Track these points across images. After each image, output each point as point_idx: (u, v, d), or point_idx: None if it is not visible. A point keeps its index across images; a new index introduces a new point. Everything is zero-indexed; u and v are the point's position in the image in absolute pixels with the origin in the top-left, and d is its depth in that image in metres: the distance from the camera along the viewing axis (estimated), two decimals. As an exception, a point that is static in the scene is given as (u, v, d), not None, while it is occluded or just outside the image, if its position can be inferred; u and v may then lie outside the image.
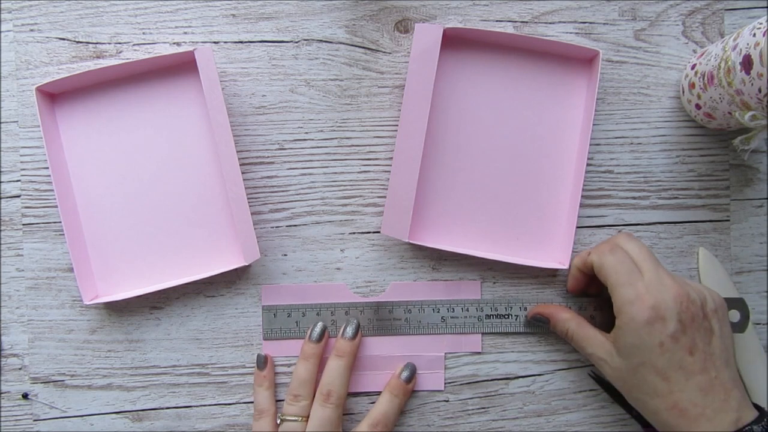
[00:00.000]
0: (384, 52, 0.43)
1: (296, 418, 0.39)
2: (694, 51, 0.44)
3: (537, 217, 0.43)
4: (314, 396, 0.40)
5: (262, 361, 0.42)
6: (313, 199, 0.43)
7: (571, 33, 0.43)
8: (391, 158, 0.43)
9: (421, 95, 0.40)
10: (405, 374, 0.41)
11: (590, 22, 0.44)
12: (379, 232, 0.43)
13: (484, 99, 0.43)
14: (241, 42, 0.43)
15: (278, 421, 0.40)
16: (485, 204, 0.43)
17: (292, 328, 0.42)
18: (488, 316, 0.43)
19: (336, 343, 0.41)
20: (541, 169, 0.43)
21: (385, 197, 0.43)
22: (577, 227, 0.44)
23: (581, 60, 0.43)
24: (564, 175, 0.43)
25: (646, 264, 0.36)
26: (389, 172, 0.42)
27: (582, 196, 0.43)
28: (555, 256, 0.43)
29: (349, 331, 0.41)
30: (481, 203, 0.43)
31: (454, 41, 0.42)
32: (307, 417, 0.39)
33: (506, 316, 0.43)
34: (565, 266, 0.41)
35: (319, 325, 0.41)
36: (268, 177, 0.43)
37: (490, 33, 0.41)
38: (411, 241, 0.41)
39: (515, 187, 0.43)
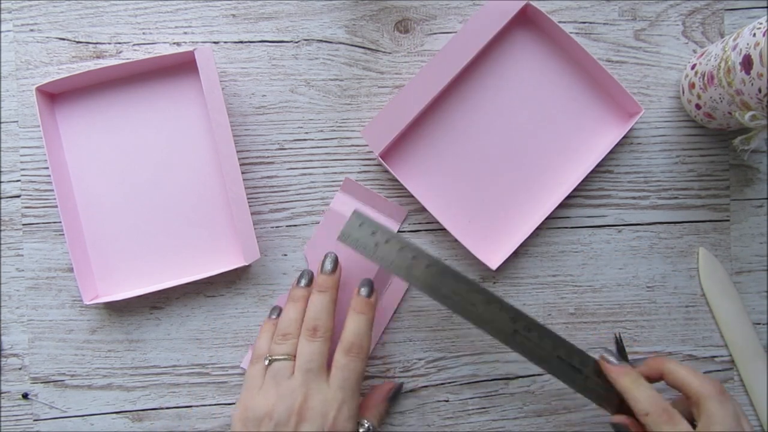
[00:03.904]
0: (384, 52, 0.43)
1: (284, 356, 0.37)
2: (694, 51, 0.44)
3: (503, 214, 0.43)
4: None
5: (277, 313, 0.41)
6: (313, 199, 0.43)
7: (571, 33, 0.43)
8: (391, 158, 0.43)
9: (467, 47, 0.41)
10: (364, 290, 0.40)
11: (590, 22, 0.44)
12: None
13: (522, 92, 0.43)
14: (241, 42, 0.43)
15: (266, 363, 0.38)
16: (469, 178, 0.43)
17: (369, 245, 0.38)
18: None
19: (316, 279, 0.40)
20: (531, 177, 0.43)
21: (385, 197, 0.43)
22: (577, 227, 0.44)
23: (623, 108, 0.43)
24: (545, 194, 0.43)
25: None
26: (388, 172, 0.42)
27: (582, 196, 0.44)
28: (492, 253, 0.43)
29: (328, 265, 0.40)
30: (465, 174, 0.43)
31: (526, 24, 0.43)
32: (296, 356, 0.38)
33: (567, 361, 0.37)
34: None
35: (306, 272, 0.41)
36: (268, 177, 0.43)
37: (564, 35, 0.41)
38: (380, 158, 0.41)
39: (502, 177, 0.43)
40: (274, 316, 0.41)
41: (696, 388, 0.35)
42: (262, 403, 0.36)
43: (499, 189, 0.43)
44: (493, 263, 0.42)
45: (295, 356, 0.38)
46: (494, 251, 0.43)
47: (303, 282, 0.40)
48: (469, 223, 0.43)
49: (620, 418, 0.36)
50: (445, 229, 0.42)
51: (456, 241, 0.42)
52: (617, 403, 0.37)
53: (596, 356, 0.37)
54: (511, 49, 0.43)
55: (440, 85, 0.41)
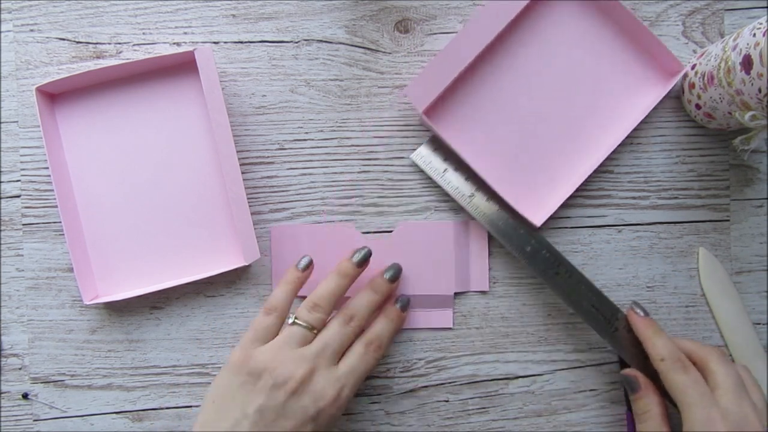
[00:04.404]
0: (384, 52, 0.44)
1: (307, 325, 0.37)
2: (694, 51, 0.44)
3: (543, 177, 0.43)
4: (330, 315, 0.39)
5: (306, 263, 0.40)
6: (313, 199, 0.43)
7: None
8: (392, 158, 0.43)
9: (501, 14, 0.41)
10: (400, 303, 0.41)
11: (590, 22, 0.44)
12: (381, 232, 0.43)
13: (559, 58, 0.43)
14: (241, 42, 0.43)
15: (289, 321, 0.38)
16: (508, 138, 0.43)
17: (438, 169, 0.42)
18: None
19: (375, 278, 0.40)
20: (570, 142, 0.43)
21: (385, 197, 0.43)
22: (577, 227, 0.44)
23: (665, 66, 0.43)
24: (587, 153, 0.43)
25: (728, 393, 0.35)
26: (389, 172, 0.42)
27: (582, 196, 0.44)
28: (535, 211, 0.42)
29: (391, 274, 0.40)
30: (508, 135, 0.43)
31: None
32: (318, 331, 0.38)
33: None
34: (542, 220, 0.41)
35: (365, 250, 0.40)
36: (268, 177, 0.43)
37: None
38: (424, 116, 0.41)
39: (542, 141, 0.43)
40: (301, 266, 0.40)
41: (700, 350, 0.37)
42: (268, 357, 0.36)
43: (540, 146, 0.43)
44: (537, 220, 0.41)
45: (316, 329, 0.38)
46: (538, 209, 0.42)
47: (357, 258, 0.40)
48: (511, 186, 0.43)
49: (631, 371, 0.39)
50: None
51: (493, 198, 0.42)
52: (640, 361, 0.39)
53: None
54: (548, 18, 0.43)
55: (483, 43, 0.41)
